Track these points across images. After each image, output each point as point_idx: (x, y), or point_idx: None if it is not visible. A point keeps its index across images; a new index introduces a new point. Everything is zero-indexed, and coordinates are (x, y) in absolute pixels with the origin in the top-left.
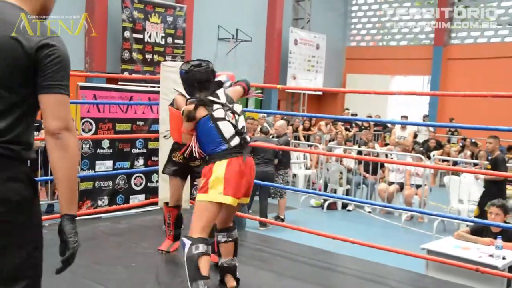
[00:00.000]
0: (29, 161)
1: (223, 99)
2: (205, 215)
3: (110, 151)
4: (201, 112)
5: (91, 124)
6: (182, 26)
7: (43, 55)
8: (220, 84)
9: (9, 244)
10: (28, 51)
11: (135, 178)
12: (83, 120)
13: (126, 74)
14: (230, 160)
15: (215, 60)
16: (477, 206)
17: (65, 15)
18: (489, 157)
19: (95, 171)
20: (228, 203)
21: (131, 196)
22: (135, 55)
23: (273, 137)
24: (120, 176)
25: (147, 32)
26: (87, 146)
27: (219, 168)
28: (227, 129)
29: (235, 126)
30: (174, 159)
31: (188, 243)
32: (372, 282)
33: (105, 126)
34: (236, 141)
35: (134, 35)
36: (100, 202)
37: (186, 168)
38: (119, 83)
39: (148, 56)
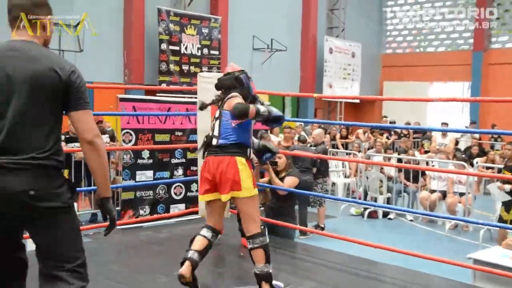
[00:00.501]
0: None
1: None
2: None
3: (150, 161)
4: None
5: (131, 135)
6: (218, 37)
7: (73, 80)
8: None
9: (68, 231)
10: (63, 78)
11: (175, 188)
12: (123, 131)
13: (163, 86)
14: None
15: (250, 70)
16: None
17: (102, 28)
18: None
19: (136, 181)
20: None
21: (171, 206)
22: (172, 66)
23: (311, 146)
24: (160, 186)
25: (183, 44)
26: (128, 156)
27: None
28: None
29: (212, 130)
30: None
31: None
32: None
33: (144, 137)
34: (214, 142)
35: (171, 47)
36: (141, 212)
37: None
38: (157, 94)
39: (185, 67)
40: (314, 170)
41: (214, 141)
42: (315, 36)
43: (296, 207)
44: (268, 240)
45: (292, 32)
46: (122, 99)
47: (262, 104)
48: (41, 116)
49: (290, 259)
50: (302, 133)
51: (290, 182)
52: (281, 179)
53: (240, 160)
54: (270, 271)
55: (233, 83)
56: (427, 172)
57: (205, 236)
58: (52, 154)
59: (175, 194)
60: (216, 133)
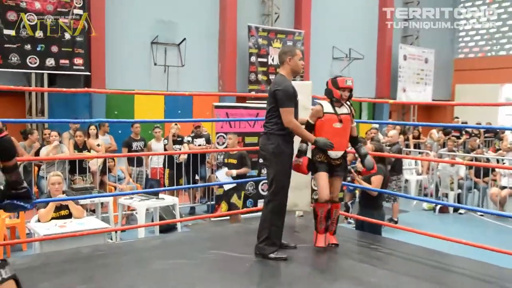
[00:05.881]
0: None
1: None
2: None
3: None
4: None
5: (224, 137)
6: (301, 48)
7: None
8: None
9: None
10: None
11: (262, 185)
12: (217, 135)
13: (253, 93)
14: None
15: (330, 77)
16: None
17: (201, 45)
18: None
19: None
20: None
21: (258, 200)
22: (260, 76)
23: (386, 146)
24: (249, 183)
25: (270, 56)
26: (221, 157)
27: None
28: None
29: None
30: (319, 160)
31: None
32: (491, 284)
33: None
34: None
35: (259, 59)
36: None
37: (329, 166)
38: (247, 101)
39: (272, 77)
40: (389, 167)
41: None
42: (391, 44)
43: None
44: None
45: (369, 42)
46: (216, 107)
47: None
48: None
49: (366, 249)
50: (380, 135)
51: (376, 181)
52: (369, 178)
53: None
54: None
55: None
56: (497, 170)
57: None
58: None
59: (262, 190)
60: None
